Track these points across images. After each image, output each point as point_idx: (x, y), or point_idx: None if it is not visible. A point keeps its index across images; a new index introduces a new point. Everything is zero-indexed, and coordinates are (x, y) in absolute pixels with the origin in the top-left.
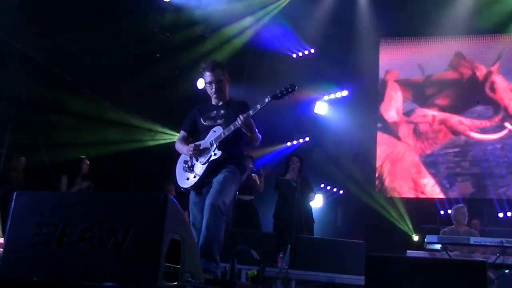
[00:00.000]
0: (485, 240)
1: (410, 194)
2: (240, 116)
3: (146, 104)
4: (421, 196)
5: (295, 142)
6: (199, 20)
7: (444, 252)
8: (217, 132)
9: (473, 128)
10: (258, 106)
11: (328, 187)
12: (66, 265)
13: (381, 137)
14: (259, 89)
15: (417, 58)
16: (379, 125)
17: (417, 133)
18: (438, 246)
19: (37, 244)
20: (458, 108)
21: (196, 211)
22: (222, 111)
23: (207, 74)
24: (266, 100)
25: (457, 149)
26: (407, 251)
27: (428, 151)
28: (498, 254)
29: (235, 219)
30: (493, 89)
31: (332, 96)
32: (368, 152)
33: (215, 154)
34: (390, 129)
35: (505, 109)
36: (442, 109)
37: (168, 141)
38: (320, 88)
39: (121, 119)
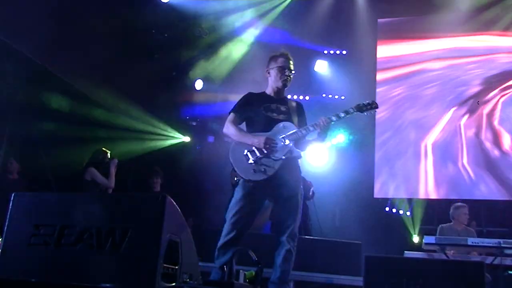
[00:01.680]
0: (483, 241)
1: (408, 195)
2: (323, 118)
3: (144, 105)
4: (419, 197)
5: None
6: (196, 21)
7: (442, 252)
8: (288, 128)
9: None
10: (342, 115)
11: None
12: (64, 266)
13: (378, 139)
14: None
15: (415, 61)
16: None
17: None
18: (436, 247)
19: (35, 245)
20: None
21: (247, 202)
22: (282, 108)
23: (284, 60)
24: (351, 110)
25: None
26: (405, 251)
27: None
28: (495, 255)
29: None
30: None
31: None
32: (366, 153)
33: (291, 152)
34: (386, 131)
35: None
36: None
37: (168, 141)
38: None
39: (119, 120)
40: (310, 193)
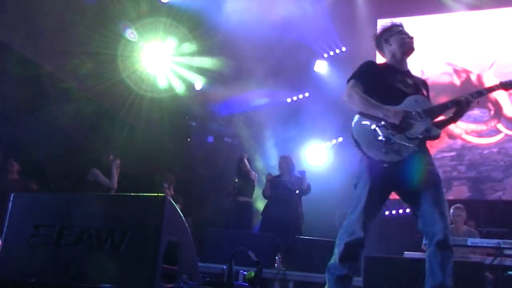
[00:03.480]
0: (483, 241)
1: None
2: (469, 96)
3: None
4: None
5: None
6: (196, 20)
7: None
8: (422, 103)
9: (469, 132)
10: (484, 92)
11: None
12: (63, 267)
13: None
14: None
15: (413, 61)
16: None
17: None
18: None
19: (34, 246)
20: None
21: (378, 188)
22: (409, 81)
23: (400, 26)
24: (494, 87)
25: (453, 153)
26: (405, 252)
27: None
28: (495, 255)
29: (234, 220)
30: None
31: None
32: None
33: (428, 131)
34: None
35: (501, 113)
36: None
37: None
38: None
39: (117, 120)
40: (305, 187)
